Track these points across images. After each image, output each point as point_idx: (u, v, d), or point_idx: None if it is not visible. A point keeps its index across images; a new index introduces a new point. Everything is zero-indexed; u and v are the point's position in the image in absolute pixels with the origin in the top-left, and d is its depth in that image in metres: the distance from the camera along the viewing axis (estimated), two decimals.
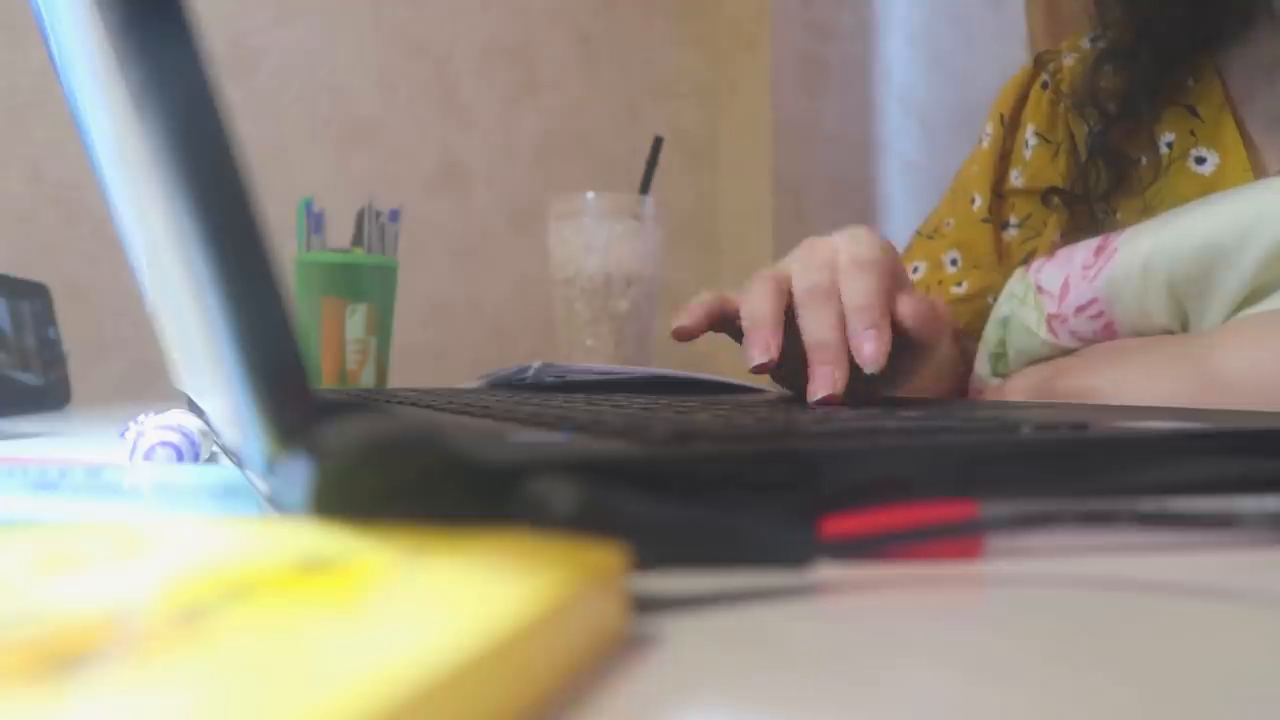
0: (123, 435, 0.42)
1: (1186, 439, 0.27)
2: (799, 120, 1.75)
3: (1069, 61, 0.75)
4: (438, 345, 1.52)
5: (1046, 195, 0.71)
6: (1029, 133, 0.75)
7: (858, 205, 1.80)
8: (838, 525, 0.20)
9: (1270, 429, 0.27)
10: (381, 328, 0.89)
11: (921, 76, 1.89)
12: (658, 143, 0.88)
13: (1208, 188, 0.62)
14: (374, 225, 0.89)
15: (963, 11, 1.95)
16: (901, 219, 1.83)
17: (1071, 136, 0.72)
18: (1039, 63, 0.78)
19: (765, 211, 1.73)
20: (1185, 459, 0.26)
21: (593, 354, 0.83)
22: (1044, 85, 0.76)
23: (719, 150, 1.83)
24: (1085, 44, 0.75)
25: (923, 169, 1.87)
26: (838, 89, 1.79)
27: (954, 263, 0.76)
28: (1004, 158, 0.77)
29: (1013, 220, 0.76)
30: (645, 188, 0.87)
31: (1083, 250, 0.59)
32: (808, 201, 1.76)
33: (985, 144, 0.78)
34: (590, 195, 0.86)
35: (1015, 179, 0.76)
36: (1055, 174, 0.73)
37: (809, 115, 1.76)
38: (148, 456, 0.39)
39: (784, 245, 1.67)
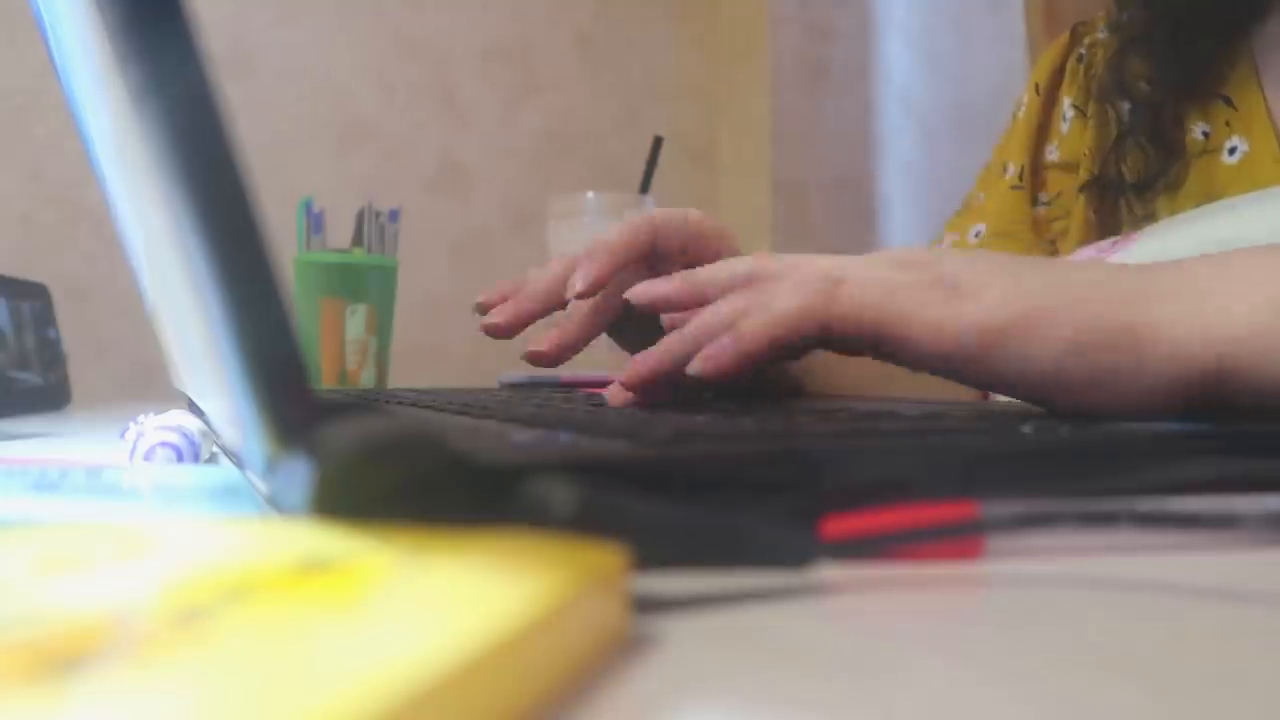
0: (123, 436, 0.42)
1: (1186, 439, 0.26)
2: (798, 121, 1.75)
3: (1104, 35, 0.73)
4: (438, 345, 1.52)
5: (1086, 186, 0.70)
6: (1066, 106, 0.74)
7: (857, 206, 1.80)
8: (838, 525, 0.20)
9: (1270, 429, 0.27)
10: (381, 328, 0.89)
11: (921, 77, 1.89)
12: (657, 143, 0.88)
13: (1235, 177, 0.61)
14: (374, 225, 0.89)
15: (962, 13, 1.95)
16: (901, 219, 1.83)
17: (1101, 112, 0.71)
18: (1075, 34, 0.76)
19: (764, 212, 1.73)
20: (1185, 459, 0.26)
21: (593, 353, 0.83)
22: (1079, 59, 0.74)
23: (718, 151, 1.83)
24: (1103, 31, 0.73)
25: (922, 169, 1.87)
26: (837, 90, 1.79)
27: (978, 234, 0.75)
28: (1041, 129, 0.75)
29: (1043, 197, 0.75)
30: (645, 188, 0.87)
31: (1096, 245, 0.58)
32: (807, 202, 1.76)
33: (1020, 114, 0.77)
34: (590, 195, 0.86)
35: (1051, 153, 0.74)
36: (1085, 148, 0.71)
37: (808, 116, 1.76)
38: (148, 457, 0.39)
39: (783, 245, 1.67)
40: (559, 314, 0.52)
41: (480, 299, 0.54)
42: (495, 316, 0.50)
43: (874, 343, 0.36)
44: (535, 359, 0.50)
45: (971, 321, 0.34)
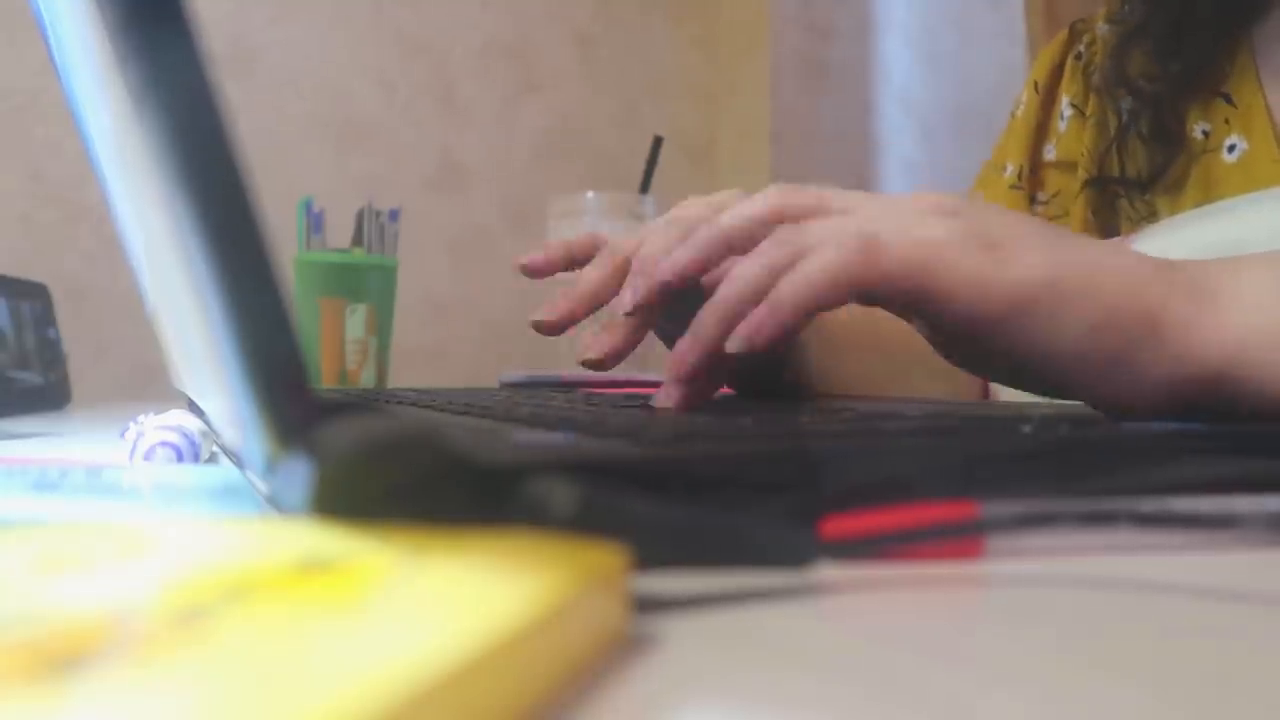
0: (123, 435, 0.42)
1: (1186, 439, 0.27)
2: (798, 121, 1.75)
3: (1103, 32, 0.72)
4: (438, 345, 1.52)
5: (1086, 185, 0.70)
6: (1064, 104, 0.73)
7: None
8: (838, 525, 0.20)
9: (1270, 429, 0.27)
10: (381, 328, 0.89)
11: (921, 77, 1.89)
12: (657, 142, 0.88)
13: (1234, 175, 0.61)
14: (374, 225, 0.89)
15: (962, 12, 1.95)
16: None
17: (1100, 111, 0.71)
18: (1074, 32, 0.75)
19: None
20: (1185, 459, 0.26)
21: None
22: (1077, 57, 0.74)
23: (718, 150, 1.83)
24: (1102, 28, 0.73)
25: (922, 169, 1.87)
26: (837, 89, 1.79)
27: None
28: (1040, 128, 0.75)
29: (1041, 197, 0.75)
30: (645, 187, 0.87)
31: None
32: None
33: (1019, 112, 0.76)
34: (590, 194, 0.86)
35: (1049, 153, 0.74)
36: (1083, 147, 0.71)
37: (808, 116, 1.76)
38: (148, 457, 0.39)
39: None
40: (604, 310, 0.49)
41: (525, 261, 0.51)
42: (547, 314, 0.47)
43: (914, 303, 0.35)
44: (590, 365, 0.47)
45: (1010, 283, 0.34)
